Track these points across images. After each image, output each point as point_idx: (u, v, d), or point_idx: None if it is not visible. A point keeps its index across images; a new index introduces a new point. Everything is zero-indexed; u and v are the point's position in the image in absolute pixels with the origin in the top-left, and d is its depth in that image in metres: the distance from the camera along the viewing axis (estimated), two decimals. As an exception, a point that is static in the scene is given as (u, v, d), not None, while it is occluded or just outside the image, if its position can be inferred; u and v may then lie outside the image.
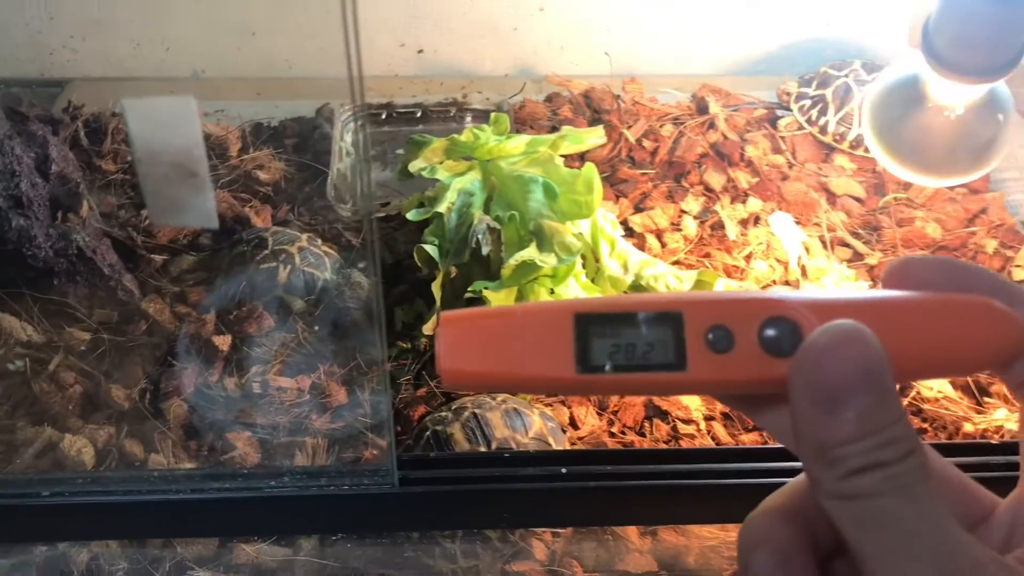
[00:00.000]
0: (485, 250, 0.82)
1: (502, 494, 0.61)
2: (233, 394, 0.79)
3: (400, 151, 1.08)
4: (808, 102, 1.06)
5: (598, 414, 0.80)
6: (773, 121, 1.10)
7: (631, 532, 0.71)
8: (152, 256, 0.90)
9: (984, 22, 0.62)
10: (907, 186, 1.02)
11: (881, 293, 0.32)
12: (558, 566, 0.70)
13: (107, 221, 0.93)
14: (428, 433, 0.71)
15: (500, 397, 0.75)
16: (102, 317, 0.85)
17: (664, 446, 0.77)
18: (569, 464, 0.61)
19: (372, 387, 0.78)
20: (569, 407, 0.80)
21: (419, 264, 0.83)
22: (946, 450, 0.67)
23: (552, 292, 0.83)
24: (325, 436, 0.77)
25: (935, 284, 0.32)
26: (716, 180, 1.01)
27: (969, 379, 0.80)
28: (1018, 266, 0.94)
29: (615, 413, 0.80)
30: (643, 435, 0.79)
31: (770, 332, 0.31)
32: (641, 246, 0.94)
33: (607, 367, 0.31)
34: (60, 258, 0.85)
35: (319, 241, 0.90)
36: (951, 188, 1.02)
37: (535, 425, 0.73)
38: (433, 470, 0.61)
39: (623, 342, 0.31)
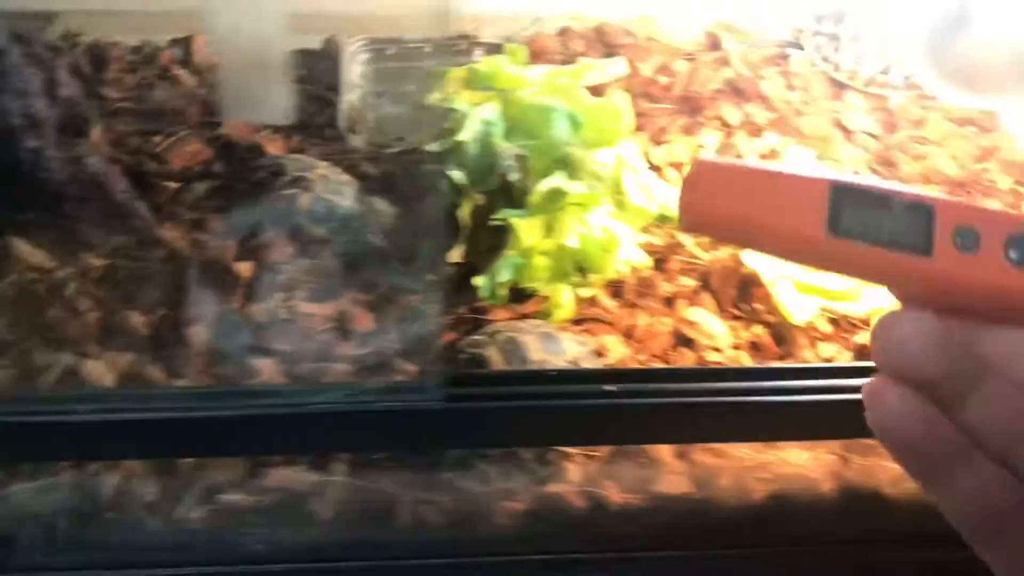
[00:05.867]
0: (513, 177, 0.81)
1: (551, 411, 0.60)
2: (257, 320, 0.78)
3: (411, 86, 1.06)
4: (822, 39, 1.06)
5: (625, 343, 0.80)
6: (787, 59, 1.09)
7: (665, 454, 0.71)
8: (165, 184, 0.88)
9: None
10: (919, 124, 1.02)
11: None
12: (594, 487, 0.70)
13: (116, 148, 0.91)
14: (463, 356, 0.71)
15: (533, 322, 0.75)
16: (117, 243, 0.83)
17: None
18: (619, 382, 0.61)
19: (401, 313, 0.77)
20: (596, 336, 0.80)
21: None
22: None
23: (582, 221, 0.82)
24: (354, 363, 0.76)
25: None
26: (732, 115, 1.00)
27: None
28: (1033, 203, 0.95)
29: (642, 342, 0.80)
30: (669, 364, 0.79)
31: (1016, 245, 0.31)
32: (663, 179, 0.93)
33: (856, 236, 0.31)
34: (72, 183, 0.82)
35: (339, 169, 0.88)
36: (962, 127, 1.02)
37: (570, 350, 0.72)
38: (482, 387, 0.61)
39: (874, 220, 0.32)
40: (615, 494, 0.70)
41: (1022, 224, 0.31)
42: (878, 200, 0.32)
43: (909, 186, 0.34)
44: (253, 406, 0.60)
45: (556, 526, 0.70)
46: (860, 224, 0.31)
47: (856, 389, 0.66)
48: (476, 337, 0.72)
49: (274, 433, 0.61)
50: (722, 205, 0.33)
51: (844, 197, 0.32)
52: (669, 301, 0.82)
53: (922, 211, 0.32)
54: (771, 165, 0.34)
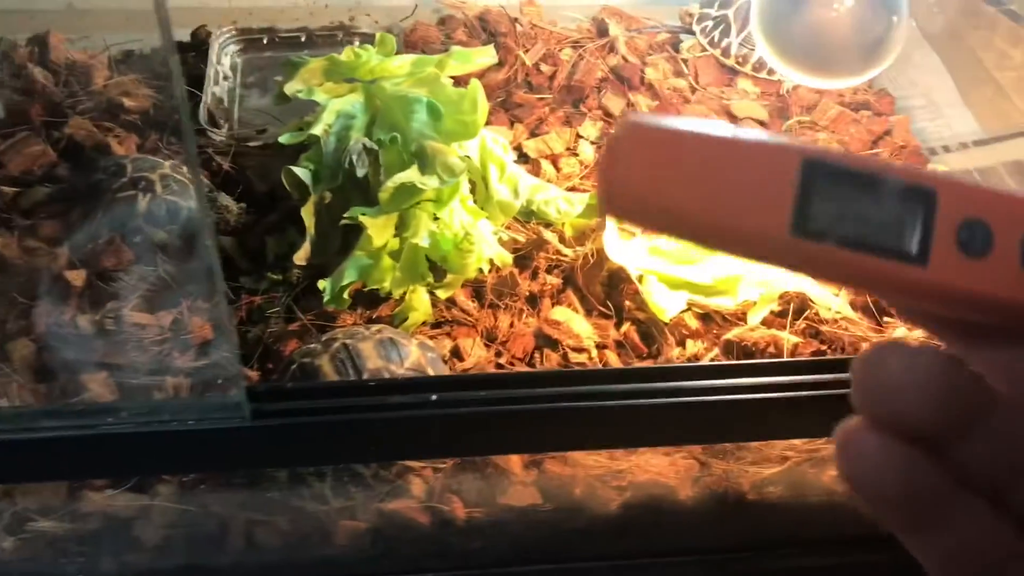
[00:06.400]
0: (361, 172, 0.76)
1: (367, 424, 0.56)
2: (88, 332, 0.73)
3: (280, 77, 1.01)
4: (710, 23, 1.02)
5: (486, 345, 0.76)
6: (676, 45, 1.05)
7: (515, 464, 0.66)
8: (2, 188, 0.83)
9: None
10: (811, 109, 0.98)
11: None
12: (437, 502, 0.65)
13: (-49, 152, 0.85)
14: (294, 367, 0.66)
15: (375, 327, 0.70)
16: (-58, 253, 0.77)
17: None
18: (440, 391, 0.56)
19: (239, 319, 0.72)
20: (455, 339, 0.75)
21: (289, 189, 0.77)
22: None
23: (436, 218, 0.77)
24: (188, 375, 0.71)
25: None
26: (615, 104, 0.96)
27: (868, 299, 0.77)
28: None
29: (504, 344, 0.76)
30: (532, 366, 0.75)
31: None
32: (536, 172, 0.89)
33: (829, 236, 0.24)
34: None
35: (185, 168, 0.83)
36: (856, 112, 0.98)
37: (412, 356, 0.68)
38: (291, 401, 0.56)
39: (856, 211, 0.24)
40: (460, 508, 0.65)
41: None
42: (862, 181, 0.24)
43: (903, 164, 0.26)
44: (46, 428, 0.55)
45: (399, 544, 0.66)
46: (835, 218, 0.24)
47: (717, 390, 0.62)
48: (311, 345, 0.67)
49: (72, 457, 0.56)
50: (654, 186, 0.25)
51: (817, 177, 0.24)
52: (533, 300, 0.78)
53: (919, 197, 0.24)
54: (724, 128, 0.25)
